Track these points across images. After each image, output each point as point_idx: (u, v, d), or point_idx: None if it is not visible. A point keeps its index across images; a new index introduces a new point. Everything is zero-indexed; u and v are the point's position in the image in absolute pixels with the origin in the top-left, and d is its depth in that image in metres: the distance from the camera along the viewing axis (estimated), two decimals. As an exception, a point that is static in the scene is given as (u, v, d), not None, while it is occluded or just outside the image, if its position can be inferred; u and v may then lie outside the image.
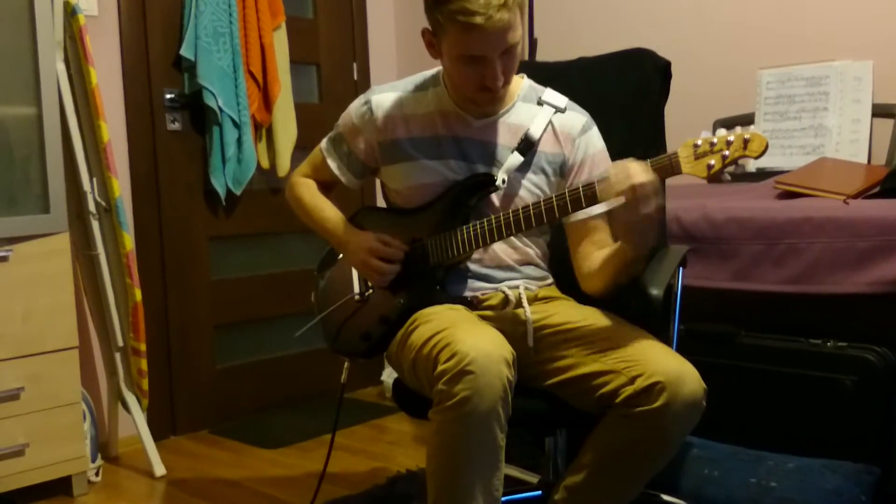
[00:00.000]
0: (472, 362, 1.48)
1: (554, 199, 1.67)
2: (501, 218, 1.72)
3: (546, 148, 1.83)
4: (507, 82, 1.73)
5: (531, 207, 1.69)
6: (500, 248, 1.83)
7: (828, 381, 2.12)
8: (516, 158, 1.80)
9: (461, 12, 1.61)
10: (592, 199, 1.62)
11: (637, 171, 1.52)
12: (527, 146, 1.81)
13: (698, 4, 3.02)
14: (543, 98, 1.86)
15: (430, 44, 1.76)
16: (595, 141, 1.86)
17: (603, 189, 1.58)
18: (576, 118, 1.85)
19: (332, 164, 1.94)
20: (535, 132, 1.82)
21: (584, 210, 1.69)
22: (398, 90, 1.88)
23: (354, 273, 1.92)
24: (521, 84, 1.88)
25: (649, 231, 1.61)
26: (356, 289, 1.91)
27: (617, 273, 1.69)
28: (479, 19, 1.60)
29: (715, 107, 2.88)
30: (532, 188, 1.82)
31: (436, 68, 1.90)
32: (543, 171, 1.83)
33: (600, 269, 1.74)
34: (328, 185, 2.01)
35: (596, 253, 1.77)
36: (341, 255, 1.97)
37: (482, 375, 1.48)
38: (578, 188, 1.63)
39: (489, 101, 1.78)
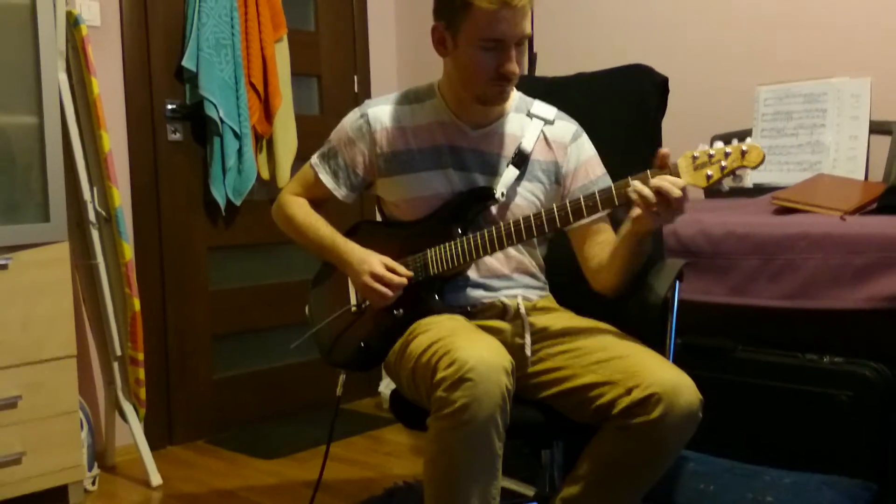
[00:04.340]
0: (471, 370, 1.49)
1: (555, 209, 1.68)
2: (502, 228, 1.73)
3: (539, 157, 1.86)
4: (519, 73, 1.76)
5: (532, 218, 1.70)
6: (491, 258, 1.84)
7: (824, 397, 2.12)
8: (512, 172, 1.83)
9: None
10: (594, 209, 1.65)
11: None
12: (521, 159, 1.84)
13: (697, 21, 3.05)
14: (532, 111, 1.89)
15: (440, 40, 1.78)
16: (586, 147, 1.89)
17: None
18: (565, 127, 1.89)
19: (326, 179, 1.93)
20: (528, 145, 1.85)
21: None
22: (393, 103, 1.90)
23: (351, 285, 1.92)
24: (513, 95, 1.91)
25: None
26: (353, 301, 1.91)
27: (630, 257, 1.69)
28: None
29: (713, 123, 2.89)
30: (528, 196, 1.85)
31: (429, 81, 1.92)
32: (538, 179, 1.86)
33: (610, 261, 1.74)
34: (319, 203, 1.98)
35: (603, 250, 1.78)
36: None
37: (481, 383, 1.49)
38: (580, 199, 1.65)
39: (499, 94, 1.79)
